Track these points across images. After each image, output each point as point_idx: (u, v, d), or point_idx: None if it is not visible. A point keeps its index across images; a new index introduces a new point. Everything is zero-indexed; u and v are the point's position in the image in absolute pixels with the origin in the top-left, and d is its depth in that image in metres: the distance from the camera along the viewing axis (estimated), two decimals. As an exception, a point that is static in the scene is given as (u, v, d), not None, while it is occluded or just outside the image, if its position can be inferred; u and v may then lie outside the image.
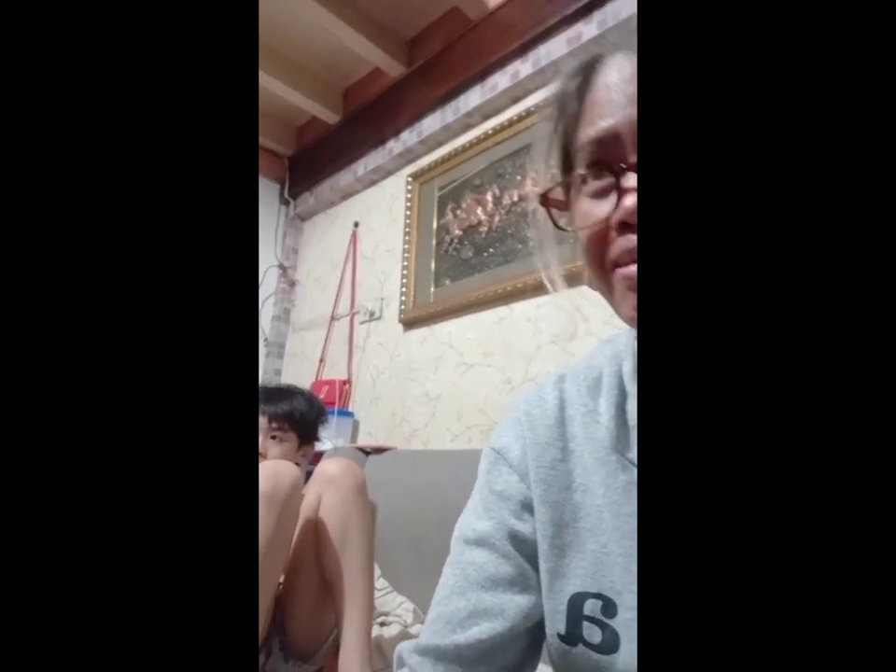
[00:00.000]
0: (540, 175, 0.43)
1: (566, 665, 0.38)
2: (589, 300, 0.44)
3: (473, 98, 1.65)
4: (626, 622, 0.36)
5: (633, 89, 0.35)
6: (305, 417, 1.17)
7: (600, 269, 0.38)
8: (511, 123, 1.56)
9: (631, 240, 0.35)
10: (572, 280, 0.45)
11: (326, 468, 0.92)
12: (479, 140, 1.64)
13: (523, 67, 1.53)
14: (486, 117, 1.66)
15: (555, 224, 0.41)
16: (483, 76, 1.63)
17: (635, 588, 0.36)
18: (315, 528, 0.87)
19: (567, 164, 0.41)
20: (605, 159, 0.36)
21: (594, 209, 0.37)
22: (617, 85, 0.36)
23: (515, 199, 1.51)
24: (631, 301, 0.36)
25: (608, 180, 0.36)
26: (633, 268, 0.35)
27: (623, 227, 0.35)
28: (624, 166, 0.35)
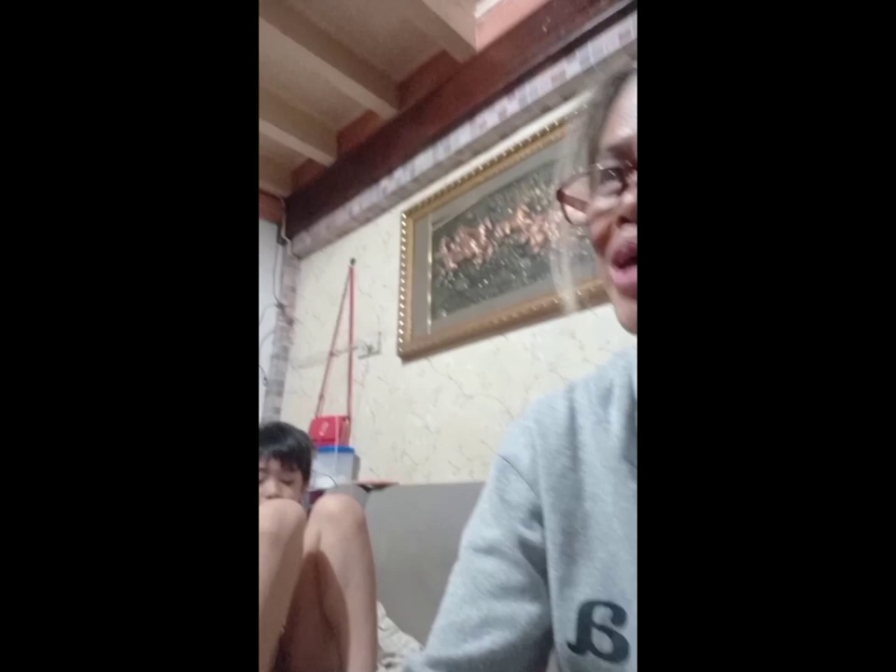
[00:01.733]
0: (566, 175, 0.45)
1: None
2: (589, 326, 0.44)
3: (463, 136, 1.70)
4: (636, 629, 0.35)
5: None
6: (307, 453, 1.16)
7: (603, 266, 0.40)
8: (500, 159, 1.60)
9: (627, 233, 0.37)
10: (582, 304, 0.47)
11: (325, 505, 0.91)
12: (470, 176, 1.68)
13: (510, 105, 1.58)
14: (476, 153, 1.71)
15: (566, 217, 0.43)
16: (471, 114, 1.68)
17: None
18: (316, 567, 0.86)
19: (591, 162, 0.43)
20: (620, 161, 0.38)
21: (601, 204, 0.39)
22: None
23: (507, 231, 1.54)
24: (622, 307, 0.37)
25: (617, 180, 0.38)
26: (627, 275, 0.36)
27: (621, 221, 0.37)
28: (630, 164, 0.37)
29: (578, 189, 0.43)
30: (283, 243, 2.45)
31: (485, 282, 1.56)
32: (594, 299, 0.45)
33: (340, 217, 2.16)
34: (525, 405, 1.35)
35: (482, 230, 1.61)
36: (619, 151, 0.38)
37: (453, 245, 1.70)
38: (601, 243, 0.39)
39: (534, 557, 0.40)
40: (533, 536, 0.40)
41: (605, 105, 0.42)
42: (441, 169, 1.79)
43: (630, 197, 0.35)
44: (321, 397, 2.01)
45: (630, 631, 0.35)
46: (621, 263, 0.37)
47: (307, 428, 1.88)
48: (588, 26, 1.36)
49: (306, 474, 1.16)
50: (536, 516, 0.41)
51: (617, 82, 0.42)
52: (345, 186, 2.12)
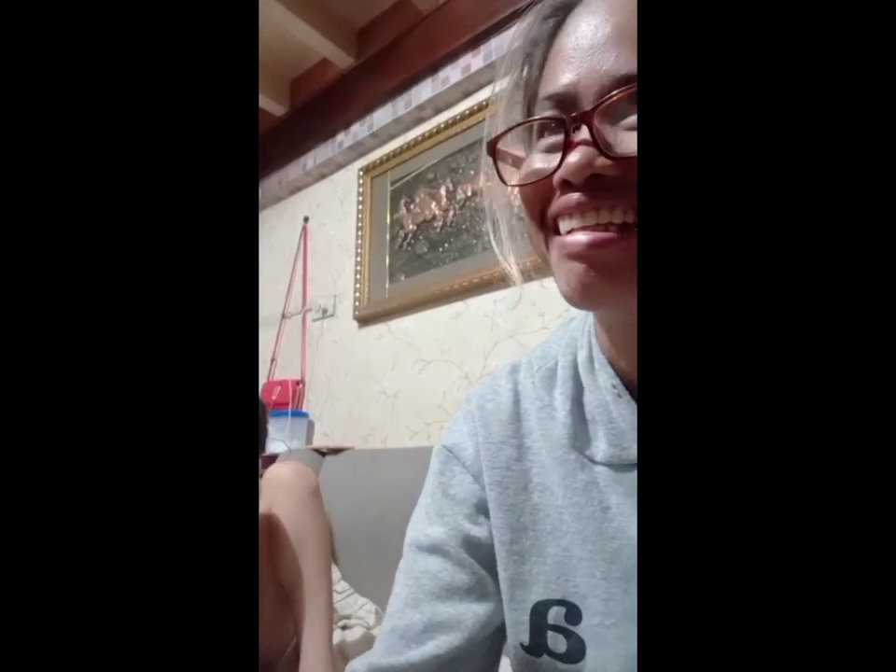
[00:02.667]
0: (499, 131, 0.38)
1: None
2: (546, 291, 0.42)
3: (425, 91, 1.63)
4: (591, 627, 0.34)
5: (603, 32, 0.32)
6: (261, 420, 1.13)
7: (539, 227, 0.35)
8: (463, 117, 1.55)
9: (571, 199, 0.32)
10: (536, 271, 0.43)
11: (277, 472, 0.89)
12: (431, 134, 1.62)
13: (474, 61, 1.52)
14: (438, 110, 1.64)
15: (500, 177, 0.37)
16: (434, 69, 1.61)
17: (599, 592, 0.34)
18: (269, 535, 0.84)
19: (527, 114, 0.37)
20: (560, 112, 0.33)
21: (538, 165, 0.34)
22: (585, 29, 0.32)
23: (469, 194, 1.50)
24: (567, 274, 0.32)
25: (559, 135, 0.33)
26: (574, 237, 0.32)
27: (566, 186, 0.32)
28: (575, 116, 0.31)
29: (514, 144, 0.37)
30: (231, 197, 2.32)
31: (446, 245, 1.52)
32: (540, 271, 0.42)
33: (292, 171, 2.06)
34: (483, 371, 1.36)
35: (443, 191, 1.57)
36: (560, 100, 0.32)
37: (412, 206, 1.65)
38: (538, 206, 0.34)
39: (480, 555, 0.38)
40: (479, 532, 0.38)
41: (544, 43, 0.35)
42: (400, 125, 1.72)
43: (576, 157, 0.30)
44: (273, 360, 1.95)
45: (585, 629, 0.34)
46: (563, 229, 0.33)
47: (260, 393, 1.83)
48: (558, -20, 1.31)
49: (263, 441, 1.12)
50: (482, 510, 0.39)
51: (559, 13, 0.35)
52: (299, 139, 2.01)
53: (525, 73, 0.37)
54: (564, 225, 0.33)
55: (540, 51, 0.36)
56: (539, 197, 0.34)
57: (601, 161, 0.30)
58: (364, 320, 1.70)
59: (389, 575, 1.24)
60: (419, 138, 1.65)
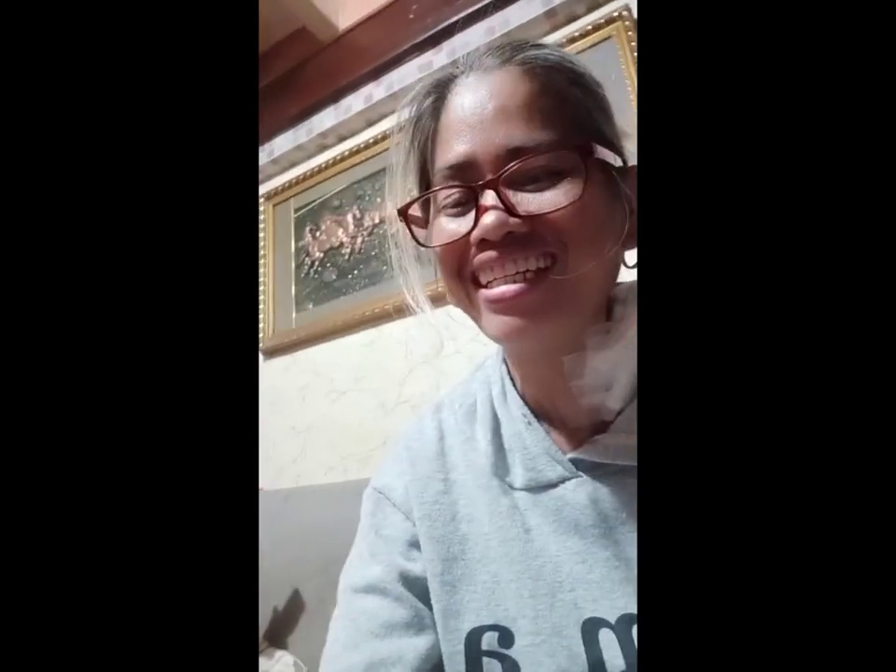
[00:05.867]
0: (398, 194, 0.44)
1: None
2: (455, 318, 0.44)
3: (327, 119, 1.62)
4: (524, 648, 0.35)
5: (488, 109, 0.36)
6: None
7: (458, 283, 0.39)
8: (367, 146, 1.55)
9: (490, 255, 0.36)
10: (437, 301, 0.45)
11: None
12: (335, 161, 1.61)
13: (376, 91, 1.53)
14: (342, 138, 1.64)
15: (415, 240, 0.41)
16: (335, 97, 1.60)
17: (528, 612, 0.36)
18: None
19: (425, 183, 0.42)
20: (463, 179, 0.37)
21: (451, 226, 0.38)
22: (471, 106, 0.37)
23: (377, 221, 1.50)
24: (496, 322, 0.37)
25: (465, 199, 0.37)
26: (498, 290, 0.36)
27: (483, 243, 0.36)
28: (482, 184, 0.36)
29: (415, 208, 0.42)
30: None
31: (355, 272, 1.50)
32: (440, 300, 0.45)
33: (186, 198, 1.94)
34: (399, 399, 1.34)
35: (349, 218, 1.55)
36: (460, 169, 0.37)
37: (318, 233, 1.61)
38: (455, 262, 0.38)
39: (417, 589, 0.39)
40: (415, 567, 0.40)
41: (431, 116, 0.41)
42: (302, 152, 1.69)
43: (490, 218, 0.35)
44: (168, 399, 1.80)
45: (519, 651, 0.35)
46: (486, 283, 0.37)
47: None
48: (454, 17, 1.37)
49: None
50: (415, 546, 0.40)
51: (440, 89, 0.40)
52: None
53: (416, 143, 0.42)
54: (484, 277, 0.37)
55: (429, 124, 0.40)
56: (456, 255, 0.38)
57: (512, 220, 0.35)
58: (269, 352, 1.62)
59: (307, 621, 1.16)
60: (323, 165, 1.63)
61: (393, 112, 1.52)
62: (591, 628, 0.34)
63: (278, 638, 1.13)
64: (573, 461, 0.39)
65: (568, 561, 0.36)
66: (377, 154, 1.53)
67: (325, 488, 1.28)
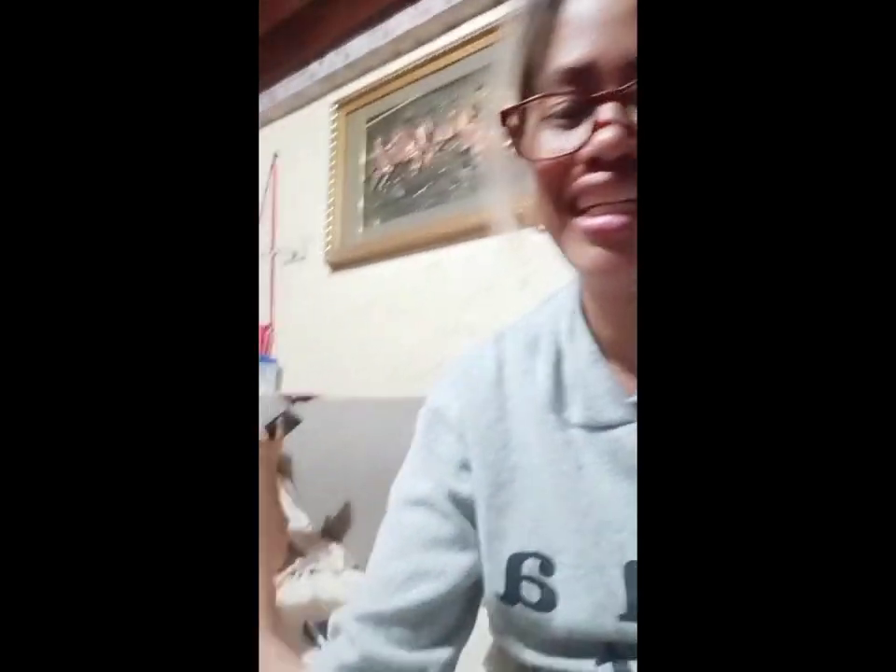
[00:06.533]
0: (497, 96, 0.39)
1: (504, 623, 0.39)
2: (533, 243, 0.41)
3: (404, 21, 1.52)
4: (564, 579, 0.36)
5: (620, 7, 0.31)
6: None
7: (553, 206, 0.35)
8: (444, 52, 1.45)
9: (599, 178, 0.32)
10: (520, 221, 0.43)
11: None
12: (410, 69, 1.52)
13: (459, -10, 1.41)
14: (419, 43, 1.54)
15: (517, 150, 0.37)
16: (414, -4, 1.49)
17: (572, 547, 0.36)
18: None
19: (529, 87, 0.37)
20: (578, 87, 0.33)
21: (557, 140, 0.34)
22: (599, 5, 0.32)
23: (449, 136, 1.43)
24: (591, 253, 0.34)
25: (577, 111, 0.33)
26: (600, 219, 0.33)
27: (594, 163, 0.32)
28: (603, 95, 0.31)
29: (514, 116, 0.38)
30: (194, 128, 2.18)
31: (423, 190, 1.46)
32: (523, 221, 0.42)
33: (261, 102, 1.93)
34: (458, 325, 1.34)
35: (421, 131, 1.49)
36: (577, 75, 0.32)
37: (388, 146, 1.57)
38: (554, 183, 0.35)
39: (464, 509, 0.40)
40: (463, 488, 0.40)
41: (550, 7, 0.35)
42: (377, 57, 1.61)
43: (608, 135, 0.31)
44: (241, 303, 1.89)
45: (558, 581, 0.36)
46: (585, 208, 0.34)
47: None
48: None
49: None
50: (466, 468, 0.41)
51: None
52: (267, 66, 1.87)
53: (528, 40, 0.37)
54: (585, 202, 0.34)
55: (546, 17, 0.35)
56: (557, 173, 0.34)
57: (629, 141, 0.31)
58: (336, 266, 1.65)
59: (357, 521, 1.25)
60: (397, 73, 1.56)
61: (475, 15, 1.41)
62: (633, 571, 0.34)
63: (332, 535, 1.23)
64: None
65: (619, 503, 0.36)
66: (454, 62, 1.43)
67: (379, 402, 1.33)
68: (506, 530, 0.38)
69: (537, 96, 0.36)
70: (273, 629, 0.77)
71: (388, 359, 1.48)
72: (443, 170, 1.43)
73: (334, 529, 1.23)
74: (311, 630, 0.84)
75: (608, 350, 0.40)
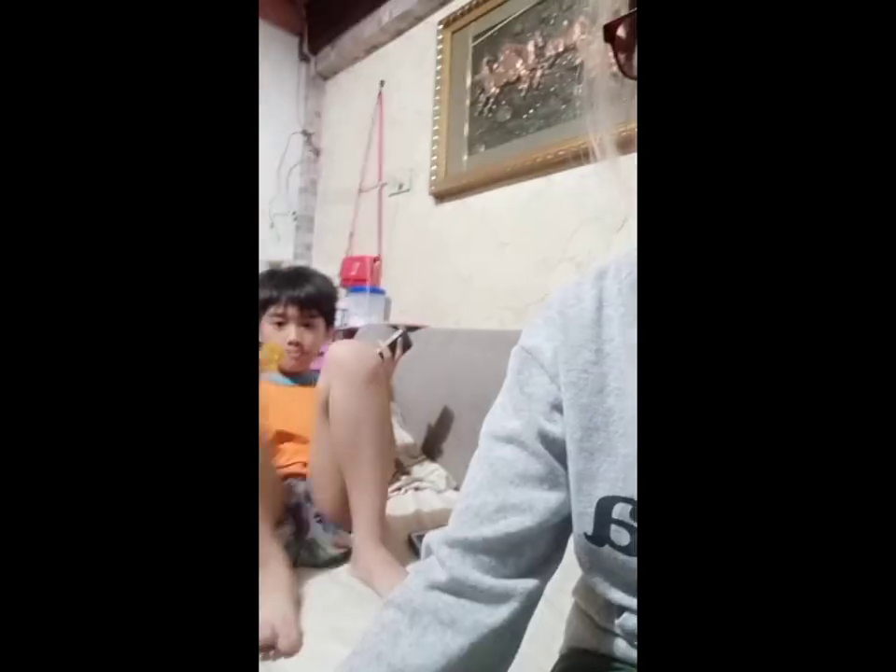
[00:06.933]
0: (607, 5, 0.35)
1: (591, 562, 0.39)
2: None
3: (516, -82, 1.38)
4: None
5: None
6: (329, 299, 1.15)
7: None
8: (559, -49, 1.31)
9: None
10: (624, 147, 0.38)
11: (335, 353, 0.87)
12: (521, -26, 1.40)
13: None
14: (530, -57, 1.40)
15: (619, 66, 0.33)
16: None
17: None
18: (325, 414, 0.86)
19: None
20: None
21: None
22: None
23: (561, 49, 1.32)
24: None
25: None
26: None
27: None
28: None
29: (622, 28, 0.33)
30: (305, 60, 2.20)
31: (531, 112, 1.38)
32: (628, 147, 0.37)
33: (368, 27, 1.89)
34: (564, 256, 1.29)
35: (530, 46, 1.39)
36: None
37: (495, 65, 1.48)
38: None
39: (555, 448, 0.39)
40: (554, 428, 0.39)
41: None
42: (485, -35, 1.50)
43: None
44: (351, 235, 1.96)
45: None
46: None
47: (338, 268, 1.87)
48: None
49: (329, 319, 1.15)
50: (557, 408, 0.40)
51: None
52: (373, -13, 1.82)
53: None
54: None
55: None
56: None
57: None
58: (440, 196, 1.64)
59: (457, 445, 1.30)
60: (507, -20, 1.44)
61: None
62: None
63: (432, 454, 1.30)
64: None
65: None
66: (570, -38, 1.29)
67: (482, 334, 1.34)
68: (597, 473, 0.37)
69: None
70: (383, 539, 0.85)
71: (491, 292, 1.47)
72: (553, 88, 1.33)
73: (436, 451, 1.30)
74: (414, 542, 0.90)
75: None
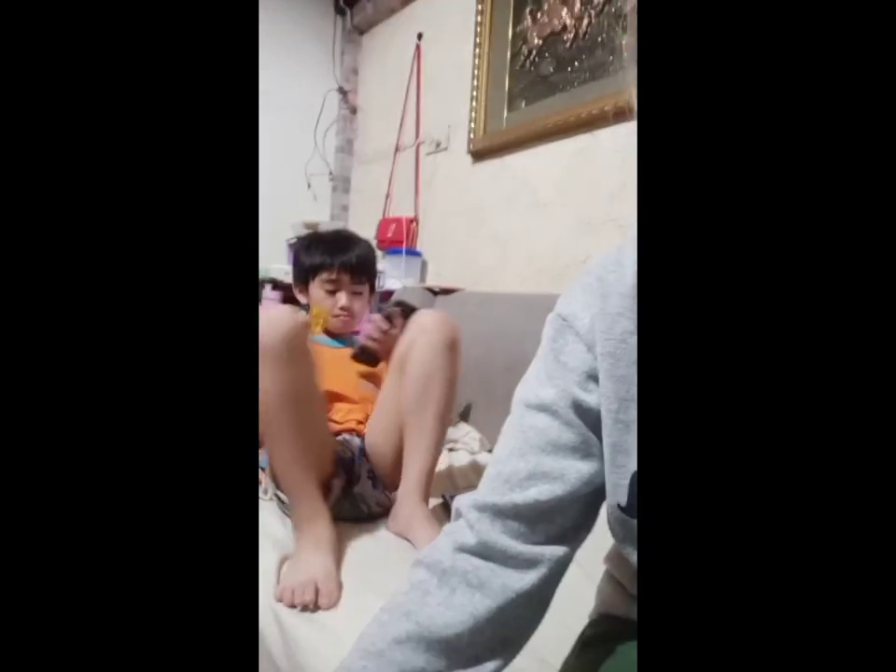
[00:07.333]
0: None
1: (624, 532, 0.39)
2: None
3: None
4: None
5: None
6: (373, 262, 1.15)
7: None
8: None
9: None
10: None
11: (421, 318, 0.92)
12: (569, -88, 1.31)
13: None
14: None
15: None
16: None
17: None
18: (401, 374, 0.89)
19: None
20: None
21: None
22: None
23: (610, -6, 1.24)
24: None
25: None
26: None
27: None
28: None
29: None
30: (342, 13, 2.14)
31: (576, 64, 1.31)
32: None
33: (405, -24, 1.82)
34: (607, 218, 1.24)
35: (577, -7, 1.31)
36: None
37: (539, 14, 1.41)
38: None
39: (587, 419, 0.39)
40: (589, 398, 0.39)
41: None
42: None
43: None
44: (388, 196, 1.94)
45: None
46: None
47: (375, 229, 1.86)
48: None
49: (372, 283, 1.16)
50: (593, 378, 0.39)
51: None
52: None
53: None
54: None
55: None
56: None
57: None
58: (478, 155, 1.60)
59: (493, 408, 1.30)
60: (553, -81, 1.35)
61: None
62: None
63: (466, 417, 1.31)
64: None
65: None
66: None
67: (518, 297, 1.32)
68: (632, 446, 0.36)
69: None
70: (426, 497, 0.87)
71: (529, 255, 1.44)
72: (600, 38, 1.26)
73: (470, 414, 1.31)
74: (447, 502, 0.92)
75: None
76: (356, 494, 0.88)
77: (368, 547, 0.79)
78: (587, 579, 0.50)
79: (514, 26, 1.47)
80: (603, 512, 0.40)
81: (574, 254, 1.31)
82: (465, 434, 1.28)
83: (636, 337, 0.37)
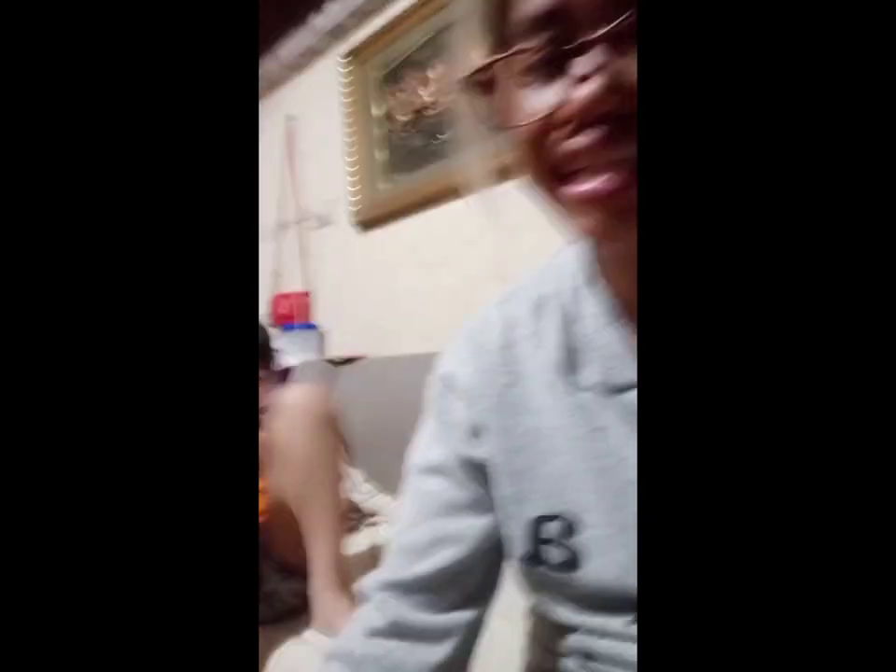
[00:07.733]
0: (463, 56, 0.35)
1: (532, 583, 0.39)
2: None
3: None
4: (586, 541, 0.36)
5: None
6: (269, 346, 1.12)
7: (540, 176, 0.32)
8: (449, -18, 1.36)
9: (582, 141, 0.28)
10: (498, 177, 0.39)
11: (287, 398, 0.86)
12: (416, 7, 1.44)
13: None
14: (420, -23, 1.45)
15: (487, 114, 0.34)
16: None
17: (595, 507, 0.36)
18: (280, 462, 0.83)
19: (499, 42, 0.32)
20: (550, 37, 0.28)
21: (529, 101, 0.30)
22: None
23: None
24: (581, 218, 0.30)
25: (551, 63, 0.29)
26: (587, 185, 0.29)
27: (571, 124, 0.28)
28: (576, 46, 0.27)
29: (482, 73, 0.33)
30: (208, 100, 2.15)
31: (441, 136, 1.41)
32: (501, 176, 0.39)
33: (268, 65, 1.88)
34: (489, 273, 1.31)
35: (431, 74, 1.43)
36: (547, 21, 0.28)
37: (400, 94, 1.51)
38: (532, 150, 0.31)
39: (479, 475, 0.39)
40: (475, 452, 0.40)
41: None
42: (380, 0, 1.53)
43: (586, 91, 0.27)
44: (277, 273, 1.92)
45: (581, 542, 0.36)
46: (571, 173, 0.30)
47: (267, 307, 1.82)
48: None
49: (268, 365, 1.13)
50: (477, 434, 0.40)
51: None
52: (268, 26, 1.81)
53: None
54: (569, 166, 0.30)
55: None
56: (534, 138, 0.30)
57: (614, 96, 0.27)
58: (364, 225, 1.64)
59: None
60: (403, 14, 1.48)
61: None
62: None
63: (386, 486, 1.28)
64: None
65: None
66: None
67: (420, 357, 1.34)
68: (525, 494, 0.37)
69: (501, 55, 0.30)
70: (342, 586, 0.82)
71: (425, 315, 1.48)
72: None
73: (387, 482, 1.28)
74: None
75: (621, 311, 0.38)
76: (267, 593, 0.82)
77: (293, 651, 0.74)
78: (517, 635, 0.50)
79: (380, 105, 1.57)
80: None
81: (467, 310, 1.37)
82: (385, 505, 1.24)
83: (513, 388, 0.39)
